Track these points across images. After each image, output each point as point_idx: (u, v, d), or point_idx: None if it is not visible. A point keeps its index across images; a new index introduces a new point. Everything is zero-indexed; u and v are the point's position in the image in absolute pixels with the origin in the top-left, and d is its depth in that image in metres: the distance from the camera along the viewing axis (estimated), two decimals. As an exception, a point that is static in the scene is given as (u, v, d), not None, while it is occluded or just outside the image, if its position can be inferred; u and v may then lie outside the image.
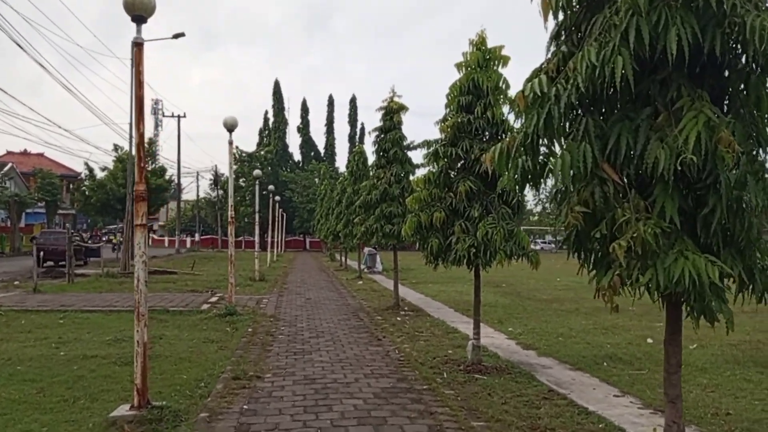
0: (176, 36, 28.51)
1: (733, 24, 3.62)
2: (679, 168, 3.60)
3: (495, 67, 8.71)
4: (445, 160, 8.70)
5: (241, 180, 65.83)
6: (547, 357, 9.72)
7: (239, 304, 15.24)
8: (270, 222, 42.57)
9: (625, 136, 3.82)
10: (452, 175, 8.74)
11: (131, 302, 6.66)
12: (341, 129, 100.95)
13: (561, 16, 4.32)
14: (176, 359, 9.01)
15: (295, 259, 49.29)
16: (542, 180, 4.53)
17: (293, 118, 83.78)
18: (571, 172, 3.93)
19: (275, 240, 48.42)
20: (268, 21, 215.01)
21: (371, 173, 17.42)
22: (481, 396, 7.28)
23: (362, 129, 78.09)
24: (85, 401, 6.85)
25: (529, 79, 4.24)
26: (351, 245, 28.04)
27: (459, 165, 8.77)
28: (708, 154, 3.58)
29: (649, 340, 11.04)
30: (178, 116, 57.24)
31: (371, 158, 18.66)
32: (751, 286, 4.05)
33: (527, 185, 4.61)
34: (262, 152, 72.13)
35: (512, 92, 8.67)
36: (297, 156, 79.85)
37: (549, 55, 4.41)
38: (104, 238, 56.14)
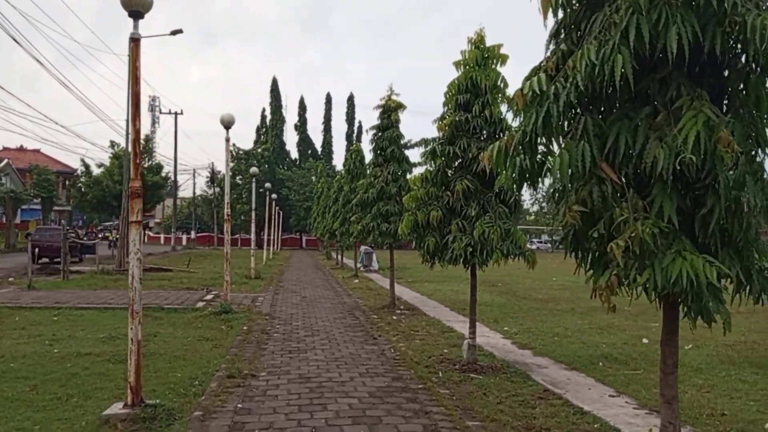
0: (174, 32, 28.44)
1: (733, 23, 3.60)
2: (678, 168, 3.57)
3: (493, 66, 8.68)
4: (443, 158, 8.67)
5: (237, 178, 65.71)
6: (543, 357, 9.70)
7: (235, 302, 15.20)
8: (266, 220, 42.59)
9: (624, 135, 3.80)
10: (450, 174, 8.71)
11: (126, 299, 6.62)
12: (339, 127, 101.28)
13: (561, 14, 4.29)
14: (170, 357, 8.97)
15: (291, 257, 49.23)
16: (540, 179, 4.51)
17: (291, 116, 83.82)
18: (570, 171, 3.90)
19: (271, 238, 48.42)
20: (267, 18, 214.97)
21: (368, 171, 17.40)
22: (477, 395, 7.26)
23: (360, 127, 77.96)
24: (78, 399, 6.80)
25: (528, 78, 4.21)
26: (347, 243, 28.01)
27: (456, 164, 8.74)
28: (707, 153, 3.56)
29: (645, 340, 11.04)
30: (175, 113, 57.20)
31: (368, 156, 18.64)
32: (748, 287, 4.03)
33: (525, 184, 4.58)
34: (259, 150, 71.98)
35: (510, 91, 8.66)
36: (294, 154, 79.72)
37: (548, 54, 4.37)
38: (100, 235, 55.93)
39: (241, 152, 69.17)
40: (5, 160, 51.87)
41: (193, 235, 68.62)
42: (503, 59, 8.75)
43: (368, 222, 15.67)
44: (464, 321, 12.52)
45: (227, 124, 15.31)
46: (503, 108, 8.67)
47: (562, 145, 4.01)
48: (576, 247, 4.34)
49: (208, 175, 72.61)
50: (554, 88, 3.93)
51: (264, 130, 77.52)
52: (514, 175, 4.42)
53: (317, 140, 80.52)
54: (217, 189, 69.10)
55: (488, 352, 9.78)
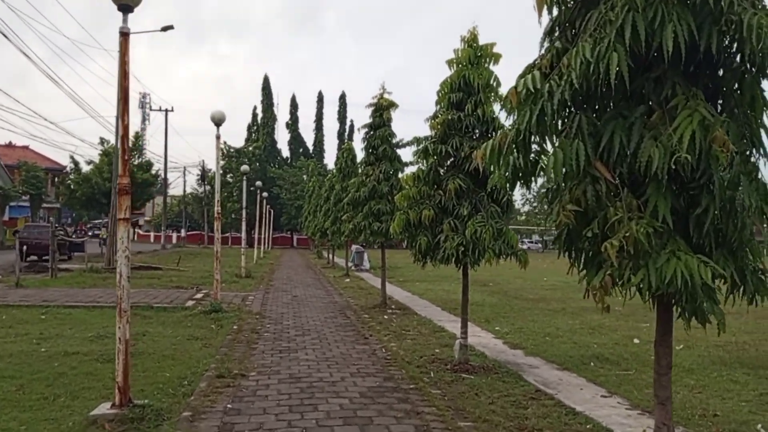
0: (165, 29, 28.27)
1: (729, 22, 3.58)
2: (673, 167, 3.55)
3: (486, 65, 8.64)
4: (435, 157, 8.63)
5: (228, 176, 65.47)
6: (534, 357, 9.68)
7: (225, 301, 15.10)
8: (257, 218, 42.44)
9: (619, 134, 3.77)
10: (442, 173, 8.67)
11: (115, 298, 6.52)
12: (330, 126, 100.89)
13: (555, 12, 4.27)
14: (159, 357, 8.88)
15: (282, 256, 49.10)
16: (533, 178, 4.48)
17: (282, 114, 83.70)
18: (564, 169, 3.87)
19: (262, 237, 48.26)
20: (258, 16, 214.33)
21: (360, 170, 17.34)
22: (468, 396, 7.22)
23: (351, 126, 77.89)
24: (65, 399, 6.71)
25: (522, 75, 4.18)
26: (338, 243, 27.95)
27: (449, 162, 8.70)
28: (702, 153, 3.54)
29: (636, 341, 11.04)
30: (166, 110, 56.88)
31: (360, 155, 18.58)
32: (742, 288, 4.01)
33: (518, 183, 4.55)
34: (250, 148, 71.73)
35: (503, 90, 8.62)
36: (285, 152, 79.49)
37: (542, 52, 4.35)
38: (89, 233, 55.58)
39: (232, 150, 68.91)
40: (-7, 157, 51.41)
41: (183, 233, 68.35)
42: (496, 58, 8.71)
43: (360, 221, 15.62)
44: (455, 321, 12.49)
45: (218, 121, 15.21)
46: (496, 107, 8.64)
47: (556, 144, 3.98)
48: (569, 247, 4.32)
49: (199, 173, 72.39)
50: (548, 86, 3.90)
51: (255, 128, 77.24)
52: (507, 173, 4.39)
53: (309, 139, 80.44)
54: (208, 187, 68.85)
55: (480, 352, 9.75)
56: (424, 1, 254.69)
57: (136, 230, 77.76)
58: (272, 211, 59.11)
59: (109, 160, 35.75)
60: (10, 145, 59.54)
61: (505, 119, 4.46)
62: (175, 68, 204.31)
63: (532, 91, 3.97)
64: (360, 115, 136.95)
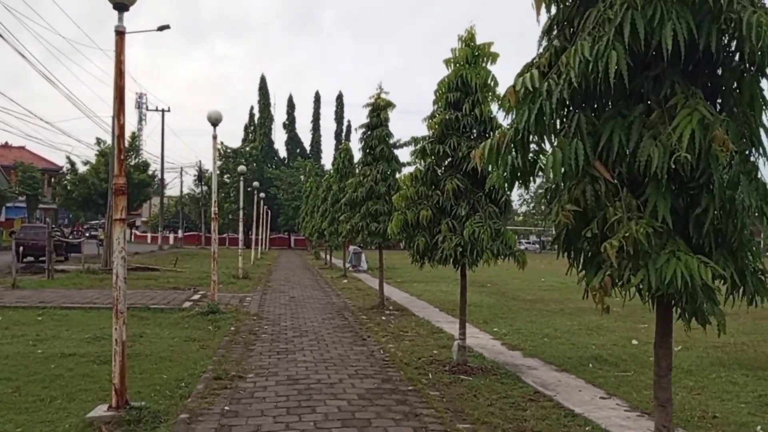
0: (161, 28, 28.21)
1: (729, 20, 3.55)
2: (672, 167, 3.52)
3: (484, 64, 8.62)
4: (433, 157, 8.61)
5: (225, 176, 65.37)
6: (533, 358, 9.66)
7: (222, 302, 15.05)
8: (254, 219, 42.36)
9: (618, 133, 3.74)
10: (439, 173, 8.65)
11: (111, 299, 6.48)
12: (327, 126, 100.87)
13: (554, 10, 4.24)
14: (156, 358, 8.84)
15: (280, 257, 49.04)
16: (532, 178, 4.45)
17: (279, 115, 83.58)
18: (563, 169, 3.84)
19: (259, 237, 48.20)
20: (256, 16, 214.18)
21: (357, 170, 17.31)
22: (467, 397, 7.19)
23: (349, 126, 77.80)
24: (61, 401, 6.67)
25: (521, 74, 4.15)
26: (336, 243, 27.91)
27: (446, 162, 8.67)
28: (702, 152, 3.51)
29: (634, 342, 11.02)
30: (162, 110, 56.72)
31: (357, 155, 18.55)
32: (741, 289, 3.99)
33: (517, 183, 4.52)
34: (248, 148, 71.66)
35: (501, 89, 8.61)
36: (282, 153, 79.39)
37: (541, 50, 4.31)
38: (87, 234, 55.43)
39: (229, 150, 68.85)
40: (-10, 158, 51.29)
41: (180, 234, 68.22)
42: (494, 57, 8.70)
43: (357, 221, 15.58)
44: (453, 322, 12.46)
45: (214, 121, 15.16)
46: (494, 107, 8.62)
47: (555, 143, 3.95)
48: (568, 247, 4.28)
49: (196, 173, 72.25)
50: (547, 84, 3.87)
51: (252, 128, 77.17)
52: (505, 173, 4.36)
53: (306, 139, 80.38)
54: (205, 187, 68.73)
55: (478, 353, 9.72)
56: (423, 2, 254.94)
57: (132, 231, 77.60)
58: (269, 211, 59.02)
59: (106, 161, 35.64)
60: (6, 146, 59.48)
61: (504, 119, 4.42)
62: (173, 68, 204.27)
63: (531, 89, 3.93)
64: (357, 116, 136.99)
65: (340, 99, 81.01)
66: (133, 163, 40.93)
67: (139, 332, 10.69)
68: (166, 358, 8.91)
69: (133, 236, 75.28)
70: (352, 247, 30.23)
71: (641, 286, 3.65)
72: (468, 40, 8.62)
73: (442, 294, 19.03)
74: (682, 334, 4.19)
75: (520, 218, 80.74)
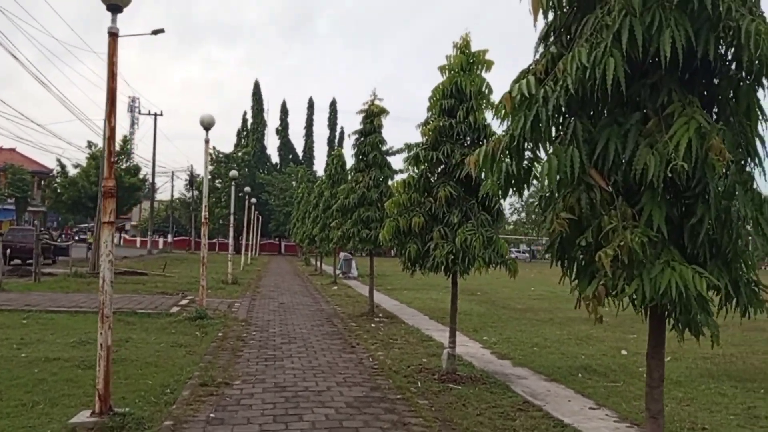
0: (155, 32, 28.11)
1: (727, 28, 3.53)
2: (669, 176, 3.48)
3: (478, 71, 8.60)
4: (426, 164, 8.57)
5: (217, 181, 65.15)
6: (522, 367, 9.60)
7: (210, 307, 14.93)
8: (245, 224, 42.21)
9: (614, 141, 3.71)
10: (432, 180, 8.60)
11: (98, 303, 6.38)
12: (320, 132, 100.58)
13: (551, 16, 4.20)
14: (142, 364, 8.71)
15: (270, 262, 48.83)
16: (526, 185, 4.41)
17: (272, 120, 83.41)
18: (558, 177, 3.80)
19: (250, 243, 48.00)
20: (249, 22, 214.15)
21: (350, 177, 17.25)
22: (456, 406, 7.12)
23: (341, 133, 77.83)
24: (44, 406, 6.55)
25: (517, 80, 4.11)
26: (327, 250, 27.80)
27: (439, 169, 8.63)
28: (698, 161, 3.47)
29: (624, 352, 11.00)
30: (155, 114, 56.54)
31: (350, 162, 18.50)
32: (735, 300, 3.95)
33: (510, 190, 4.47)
34: (240, 153, 71.44)
35: (495, 97, 8.59)
36: (275, 158, 79.26)
37: (537, 57, 4.28)
38: (76, 237, 55.00)
39: (221, 155, 68.64)
40: (-21, 159, 50.85)
41: (170, 238, 67.86)
42: (488, 65, 8.68)
43: (348, 228, 15.51)
44: (443, 330, 12.40)
45: (207, 125, 15.08)
46: (488, 114, 8.61)
47: (550, 151, 3.91)
48: (562, 256, 4.23)
49: (187, 177, 71.95)
50: (543, 91, 3.83)
51: (245, 133, 77.03)
52: (499, 180, 4.31)
53: (299, 145, 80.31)
54: (196, 192, 68.47)
55: (467, 362, 9.66)
56: (417, 9, 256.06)
57: (122, 235, 77.15)
58: (260, 217, 58.83)
59: (97, 164, 35.40)
60: (-4, 148, 58.93)
61: (498, 126, 4.39)
62: (166, 72, 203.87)
63: (527, 96, 3.90)
64: (350, 122, 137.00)
65: (333, 105, 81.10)
66: (123, 166, 40.64)
67: (125, 337, 10.55)
68: (151, 363, 8.79)
69: (122, 240, 74.82)
70: (342, 254, 30.15)
71: (635, 296, 3.61)
72: (463, 47, 8.60)
73: (432, 302, 18.97)
74: (670, 345, 4.14)
75: (511, 227, 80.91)
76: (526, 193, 4.60)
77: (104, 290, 6.28)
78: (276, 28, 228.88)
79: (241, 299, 18.59)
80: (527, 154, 4.19)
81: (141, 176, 45.57)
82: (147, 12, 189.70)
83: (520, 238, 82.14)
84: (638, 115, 3.75)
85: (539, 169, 4.04)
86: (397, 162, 49.15)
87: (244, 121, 77.87)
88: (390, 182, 15.17)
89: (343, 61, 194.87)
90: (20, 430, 5.80)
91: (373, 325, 13.82)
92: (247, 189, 42.57)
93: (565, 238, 4.03)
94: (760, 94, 3.80)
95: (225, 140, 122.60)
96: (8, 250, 26.67)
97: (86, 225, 61.72)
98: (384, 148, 15.72)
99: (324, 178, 28.01)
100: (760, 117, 3.83)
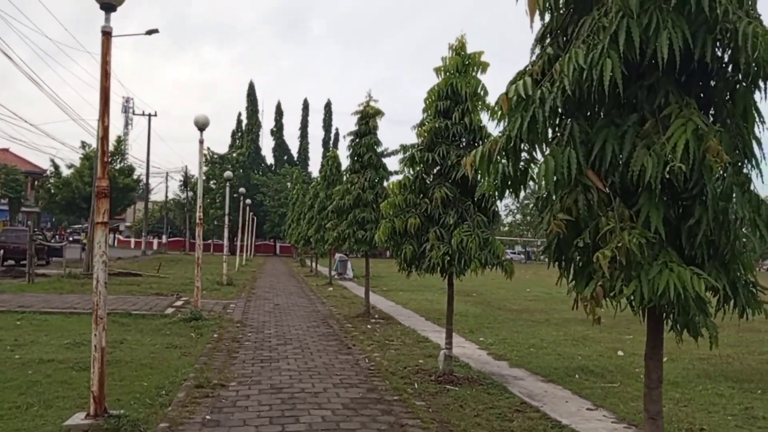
0: (149, 32, 28.05)
1: (724, 30, 3.53)
2: (666, 177, 3.48)
3: (474, 73, 8.60)
4: (422, 165, 8.56)
5: (211, 182, 65.01)
6: (519, 368, 9.60)
7: (205, 308, 14.87)
8: (240, 225, 42.07)
9: (611, 142, 3.70)
10: (428, 181, 8.60)
11: (92, 304, 6.34)
12: (315, 133, 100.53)
13: (547, 18, 4.20)
14: (137, 365, 8.67)
15: (265, 263, 48.75)
16: (522, 186, 4.40)
17: (267, 122, 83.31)
18: (555, 178, 3.79)
19: (245, 244, 47.88)
20: (244, 23, 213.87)
21: (345, 178, 17.23)
22: (453, 408, 7.10)
23: (336, 134, 77.75)
24: (38, 408, 6.50)
25: (513, 82, 4.10)
26: (322, 251, 27.77)
27: (435, 171, 8.63)
28: (695, 163, 3.47)
29: (620, 353, 11.01)
30: (149, 114, 56.33)
31: (345, 163, 18.48)
32: (732, 301, 3.95)
33: (507, 191, 4.46)
34: (234, 154, 71.31)
35: (490, 99, 8.59)
36: (270, 159, 79.14)
37: (534, 58, 4.28)
38: (70, 238, 54.81)
39: (215, 156, 68.52)
40: (-28, 160, 50.61)
41: (164, 239, 67.68)
42: (484, 67, 8.68)
43: (344, 229, 15.48)
44: (439, 331, 12.40)
45: (201, 125, 15.04)
46: (483, 116, 8.60)
47: (547, 152, 3.90)
48: (559, 257, 4.23)
49: (182, 178, 71.79)
50: (540, 92, 3.83)
51: (240, 134, 76.88)
52: (496, 181, 4.30)
53: (293, 146, 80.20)
54: (190, 193, 68.35)
55: (464, 363, 9.65)
56: (413, 11, 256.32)
57: (116, 236, 76.90)
58: (255, 218, 58.74)
59: (90, 164, 35.28)
60: (-11, 148, 58.67)
61: (495, 128, 4.37)
62: (160, 73, 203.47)
63: (524, 97, 3.89)
64: (345, 124, 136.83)
65: (328, 107, 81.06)
66: (117, 167, 40.55)
67: (120, 338, 10.50)
68: (146, 365, 8.74)
69: (116, 241, 74.56)
70: (338, 255, 30.11)
71: (633, 298, 3.60)
72: (458, 48, 8.60)
73: (428, 303, 18.97)
74: (666, 346, 4.14)
75: (506, 228, 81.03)
76: (522, 194, 4.59)
77: (98, 291, 6.24)
78: (271, 29, 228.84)
79: (236, 300, 18.54)
80: (524, 155, 4.18)
81: (135, 177, 45.48)
82: (141, 12, 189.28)
83: (515, 240, 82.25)
84: (635, 117, 3.75)
85: (536, 171, 4.04)
86: (392, 163, 49.18)
87: (239, 122, 77.77)
88: (385, 183, 15.18)
89: (338, 62, 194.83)
90: (14, 432, 5.77)
91: (369, 326, 13.80)
92: (242, 190, 42.49)
93: (563, 239, 4.02)
94: (756, 96, 3.80)
95: (219, 141, 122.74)
96: (2, 251, 26.59)
97: (80, 226, 61.53)
98: (379, 150, 15.69)
99: (319, 179, 27.97)
100: (757, 119, 3.84)
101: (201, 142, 15.49)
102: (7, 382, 7.44)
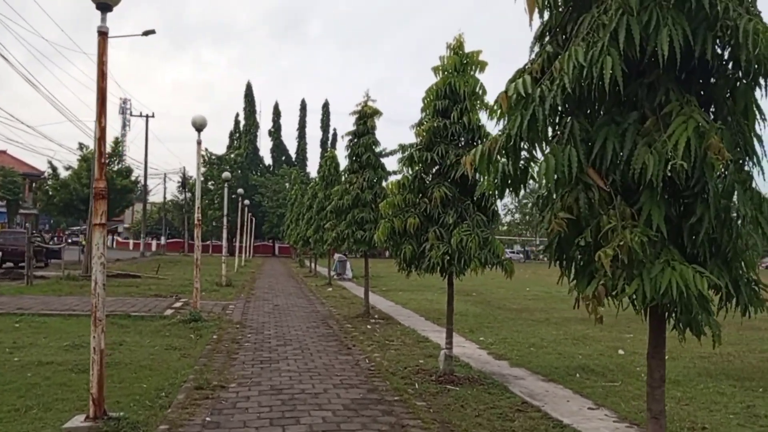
0: (146, 33, 28.02)
1: (725, 27, 3.51)
2: (668, 175, 3.46)
3: (472, 72, 8.58)
4: (420, 165, 8.54)
5: (209, 183, 64.93)
6: (520, 368, 9.57)
7: (204, 309, 14.84)
8: (238, 226, 42.05)
9: (612, 140, 3.68)
10: (427, 181, 8.58)
11: (91, 306, 6.31)
12: (313, 134, 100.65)
13: (546, 16, 4.18)
14: (136, 367, 8.64)
15: (264, 264, 48.69)
16: (523, 185, 4.38)
17: (265, 122, 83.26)
18: (555, 176, 3.77)
19: (243, 245, 47.84)
20: (242, 23, 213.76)
21: (343, 178, 17.20)
22: (454, 408, 7.08)
23: (334, 134, 77.73)
24: (37, 411, 6.47)
25: (512, 80, 4.08)
26: (321, 251, 27.73)
27: (434, 170, 8.60)
28: (697, 160, 3.45)
29: (621, 351, 10.99)
30: (146, 116, 56.34)
31: (343, 163, 18.44)
32: (735, 299, 3.93)
33: (507, 190, 4.44)
34: (232, 155, 71.24)
35: (489, 98, 8.57)
36: (268, 160, 79.11)
37: (533, 56, 4.25)
38: (68, 240, 54.73)
39: (213, 157, 68.43)
40: (-30, 162, 50.51)
41: (163, 240, 67.57)
42: (482, 66, 8.66)
43: (343, 229, 15.45)
44: (439, 331, 12.38)
45: (199, 126, 15.00)
46: (482, 115, 8.58)
47: (547, 150, 3.88)
48: (560, 256, 4.20)
49: (180, 179, 71.68)
50: (540, 90, 3.81)
51: (237, 135, 76.80)
52: (496, 180, 4.28)
53: (291, 147, 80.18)
54: (189, 194, 68.25)
55: (464, 363, 9.62)
56: (413, 11, 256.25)
57: (115, 237, 76.81)
58: (254, 219, 58.68)
59: (88, 166, 35.16)
60: (-13, 150, 58.53)
61: (494, 127, 4.35)
62: (158, 74, 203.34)
63: (524, 95, 3.87)
64: (343, 124, 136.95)
65: (326, 107, 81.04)
66: (115, 168, 40.43)
67: (119, 340, 10.47)
68: (146, 366, 8.71)
69: (115, 242, 74.50)
70: (337, 255, 30.09)
71: (635, 296, 3.58)
72: (456, 48, 8.58)
73: (428, 303, 18.95)
74: (667, 344, 4.12)
75: (505, 228, 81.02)
76: (521, 193, 4.57)
77: (97, 293, 6.22)
78: (268, 30, 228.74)
79: (235, 301, 18.51)
80: (524, 153, 4.16)
81: (133, 178, 45.33)
82: (139, 13, 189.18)
83: (513, 239, 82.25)
84: (636, 115, 3.73)
85: (536, 169, 4.02)
86: (391, 163, 49.13)
87: (237, 122, 77.70)
88: (384, 183, 15.15)
89: (335, 63, 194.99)
90: (13, 435, 5.74)
91: (368, 326, 13.77)
92: (240, 191, 42.45)
93: (564, 238, 4.00)
94: (757, 93, 3.79)
95: (217, 142, 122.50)
96: (0, 254, 26.52)
97: (79, 227, 61.45)
98: (377, 150, 15.66)
99: (317, 179, 27.93)
100: (758, 116, 3.82)
101: (199, 143, 15.45)
102: (6, 385, 7.41)
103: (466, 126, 8.41)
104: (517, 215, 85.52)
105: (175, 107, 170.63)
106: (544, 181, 3.81)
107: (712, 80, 3.88)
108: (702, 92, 3.90)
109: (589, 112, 3.98)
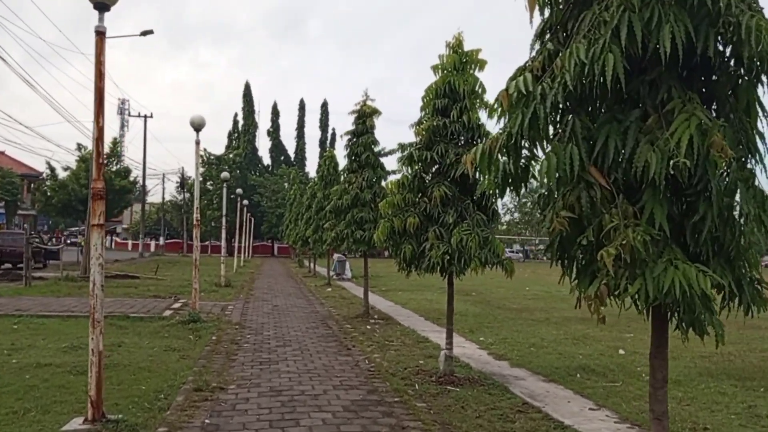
0: (144, 33, 27.98)
1: (727, 24, 3.48)
2: (670, 173, 3.43)
3: (471, 71, 8.55)
4: (420, 164, 8.50)
5: (208, 183, 64.87)
6: (520, 368, 9.54)
7: (203, 310, 14.80)
8: (237, 227, 42.04)
9: (614, 138, 3.65)
10: (427, 180, 8.54)
11: (90, 307, 6.27)
12: (312, 134, 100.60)
13: (547, 13, 4.15)
14: (135, 369, 8.60)
15: (263, 264, 48.66)
16: (524, 184, 4.34)
17: (263, 122, 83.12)
18: (557, 174, 3.73)
19: (242, 245, 47.82)
20: (241, 23, 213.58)
21: (342, 178, 17.17)
22: (455, 409, 7.04)
23: (333, 134, 77.71)
24: (36, 413, 6.43)
25: (513, 78, 4.04)
26: (320, 251, 27.69)
27: (434, 169, 8.56)
28: (699, 158, 3.42)
29: (621, 351, 10.96)
30: (145, 116, 56.28)
31: (342, 163, 18.41)
32: (738, 298, 3.90)
33: (508, 189, 4.40)
34: (231, 155, 71.17)
35: (488, 96, 8.54)
36: (266, 160, 79.05)
37: (534, 54, 4.22)
38: (67, 241, 54.63)
39: (212, 157, 68.36)
40: (-32, 163, 50.42)
41: (161, 241, 67.54)
42: (481, 65, 8.63)
43: (342, 229, 15.41)
44: (439, 331, 12.34)
45: (197, 126, 14.96)
46: (482, 114, 8.55)
47: (548, 149, 3.85)
48: (562, 255, 4.17)
49: (178, 180, 71.61)
50: (541, 88, 3.77)
51: (236, 135, 76.75)
52: (496, 179, 4.24)
53: (290, 146, 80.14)
54: (187, 194, 68.16)
55: (465, 364, 9.59)
56: (413, 11, 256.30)
57: (113, 238, 76.72)
58: (252, 219, 58.63)
59: (87, 166, 35.12)
60: (-15, 151, 58.41)
61: (494, 126, 4.32)
62: (156, 74, 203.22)
63: (524, 93, 3.83)
64: (342, 124, 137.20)
65: (324, 107, 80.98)
66: (114, 168, 40.35)
67: (118, 342, 10.43)
68: (144, 368, 8.67)
69: (113, 243, 74.43)
70: (336, 255, 30.05)
71: (638, 296, 3.55)
72: (456, 46, 8.54)
73: (427, 303, 18.91)
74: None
75: (504, 227, 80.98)
76: (523, 191, 4.54)
77: (95, 294, 6.18)
78: (267, 30, 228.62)
79: (234, 302, 18.47)
80: (525, 152, 4.13)
81: (131, 179, 45.25)
82: (138, 13, 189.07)
83: (513, 238, 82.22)
84: (638, 112, 3.70)
85: (537, 168, 3.99)
86: (390, 163, 49.12)
87: (235, 122, 77.64)
88: (383, 183, 15.11)
89: (334, 63, 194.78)
90: (11, 438, 5.70)
91: (368, 326, 13.73)
92: (239, 191, 42.42)
93: (565, 237, 3.97)
94: (759, 90, 3.75)
95: (216, 142, 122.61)
96: (-2, 255, 26.46)
97: (77, 228, 61.33)
98: (377, 149, 15.62)
99: (316, 179, 27.89)
100: (760, 114, 3.79)
101: (197, 143, 15.41)
102: (4, 387, 7.37)
103: (466, 125, 8.38)
104: (516, 214, 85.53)
105: (175, 107, 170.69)
106: (545, 180, 3.77)
107: (714, 77, 3.84)
108: (704, 89, 3.86)
109: (590, 109, 3.95)
